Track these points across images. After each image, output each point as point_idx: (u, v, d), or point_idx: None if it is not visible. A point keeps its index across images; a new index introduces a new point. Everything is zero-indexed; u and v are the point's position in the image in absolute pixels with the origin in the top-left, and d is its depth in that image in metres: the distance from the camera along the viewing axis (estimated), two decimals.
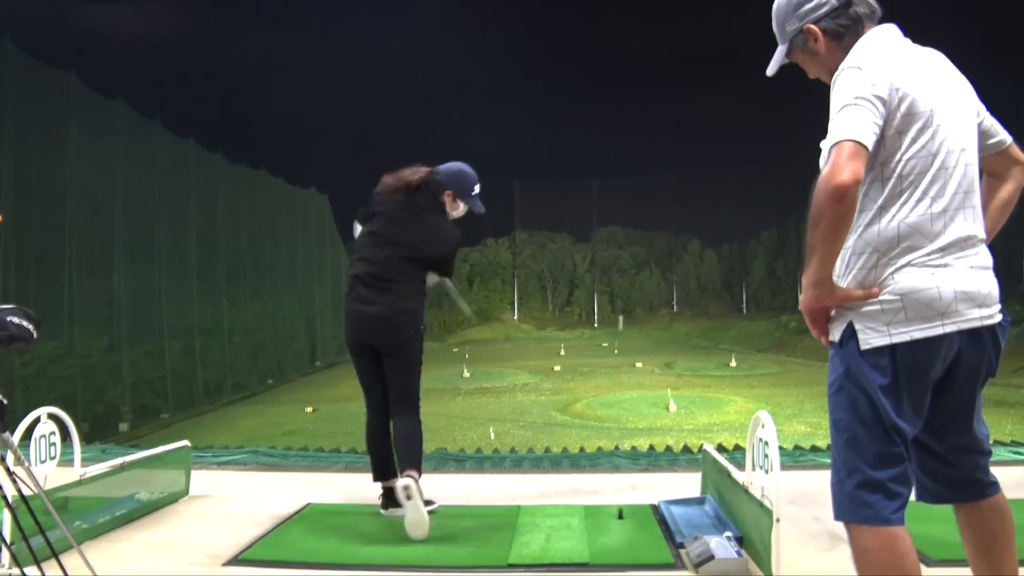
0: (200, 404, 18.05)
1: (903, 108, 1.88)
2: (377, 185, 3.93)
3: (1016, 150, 2.10)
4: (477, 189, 3.90)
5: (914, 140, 1.89)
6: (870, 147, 1.82)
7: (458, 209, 3.90)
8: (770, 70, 2.22)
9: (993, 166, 2.11)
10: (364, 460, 5.73)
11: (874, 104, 1.85)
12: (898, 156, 1.90)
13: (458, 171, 3.88)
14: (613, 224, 47.56)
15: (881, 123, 1.86)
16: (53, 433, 3.41)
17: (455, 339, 38.69)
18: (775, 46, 2.19)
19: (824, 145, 1.85)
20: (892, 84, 1.87)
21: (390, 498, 3.82)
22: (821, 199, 1.78)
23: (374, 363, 3.80)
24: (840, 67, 1.94)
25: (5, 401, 2.21)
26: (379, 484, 3.87)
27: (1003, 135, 2.09)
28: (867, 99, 1.84)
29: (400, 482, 3.43)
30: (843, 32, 2.04)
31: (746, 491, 3.10)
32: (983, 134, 2.06)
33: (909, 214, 1.88)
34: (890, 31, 2.03)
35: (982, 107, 2.07)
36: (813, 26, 2.06)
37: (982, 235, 1.96)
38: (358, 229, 3.96)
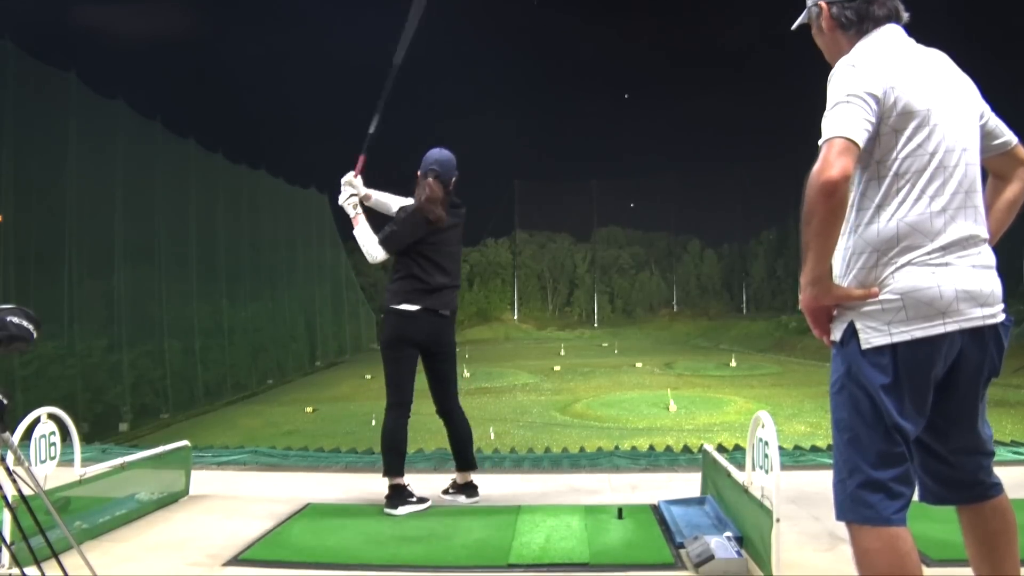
0: (200, 404, 18.03)
1: (898, 106, 1.88)
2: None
3: (1021, 151, 2.10)
4: (436, 155, 4.15)
5: (910, 138, 1.89)
6: (861, 144, 1.83)
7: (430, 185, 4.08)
8: (795, 25, 2.25)
9: (998, 167, 2.10)
10: (364, 460, 5.74)
11: (866, 102, 1.85)
12: (894, 154, 1.90)
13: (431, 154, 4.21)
14: (613, 224, 47.51)
15: (874, 120, 1.86)
16: (53, 433, 3.41)
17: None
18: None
19: (821, 143, 1.86)
20: (886, 82, 1.88)
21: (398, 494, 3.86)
22: (811, 195, 1.79)
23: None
24: (836, 64, 1.95)
25: (5, 401, 2.21)
26: (386, 481, 3.91)
27: (1008, 136, 2.09)
28: (859, 97, 1.85)
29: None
30: (847, 24, 2.05)
31: (746, 491, 3.10)
32: (988, 135, 2.05)
33: (908, 213, 1.88)
34: (892, 31, 2.03)
35: (986, 108, 2.07)
36: (824, 4, 2.09)
37: (984, 235, 1.95)
38: None
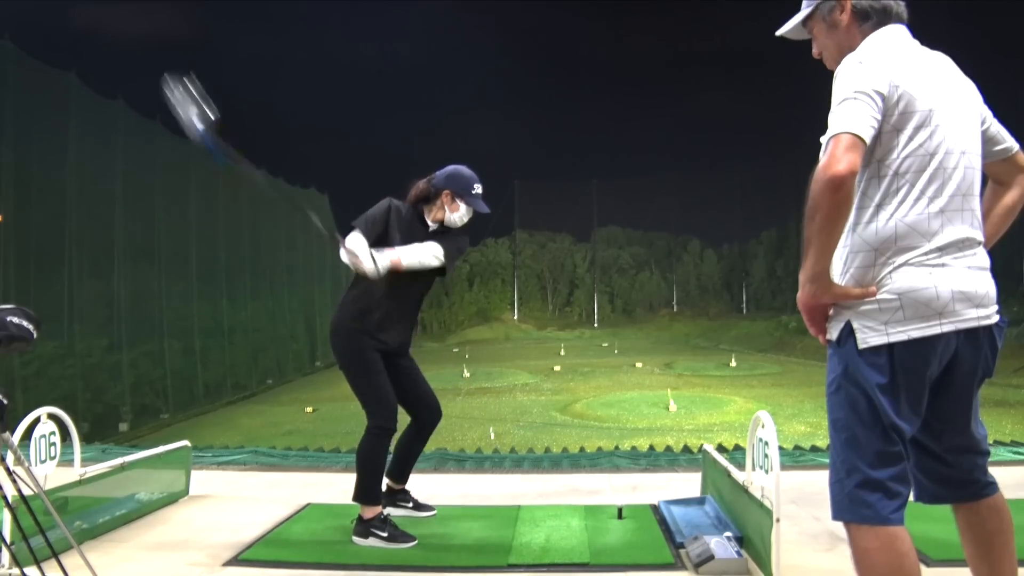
0: (200, 404, 18.03)
1: (901, 105, 1.88)
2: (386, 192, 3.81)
3: (1022, 157, 2.10)
4: (478, 189, 3.72)
5: (911, 138, 1.89)
6: (867, 140, 1.83)
7: (458, 210, 3.70)
8: (781, 30, 2.21)
9: (998, 173, 2.11)
10: None
11: (873, 99, 1.85)
12: (895, 154, 1.90)
13: (453, 170, 3.76)
14: (613, 224, 47.57)
15: (879, 118, 1.86)
16: (53, 433, 3.42)
17: (455, 339, 38.69)
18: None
19: (824, 139, 1.86)
20: (892, 81, 1.88)
21: (391, 497, 3.82)
22: (817, 190, 1.79)
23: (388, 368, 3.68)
24: (843, 61, 1.94)
25: (5, 401, 2.21)
26: (385, 480, 3.84)
27: (1009, 142, 2.09)
28: (866, 93, 1.85)
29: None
30: (869, 14, 2.03)
31: (746, 491, 3.11)
32: (989, 140, 2.05)
33: (907, 213, 1.89)
34: (898, 31, 2.03)
35: (988, 113, 2.07)
36: None
37: (980, 238, 1.96)
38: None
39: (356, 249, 3.43)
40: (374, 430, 3.52)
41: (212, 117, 3.15)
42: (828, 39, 2.11)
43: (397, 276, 3.54)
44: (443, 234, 3.73)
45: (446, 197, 3.70)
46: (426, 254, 3.59)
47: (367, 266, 3.42)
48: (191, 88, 3.13)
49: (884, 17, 2.03)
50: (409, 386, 3.75)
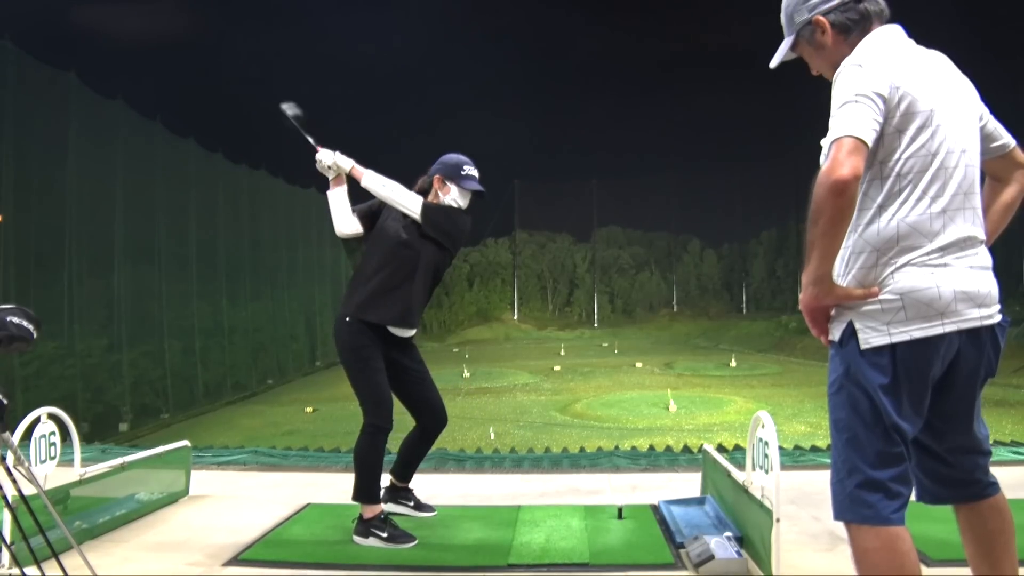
0: (200, 404, 18.04)
1: (902, 107, 1.88)
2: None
3: (1019, 154, 2.10)
4: (468, 170, 3.72)
5: (913, 139, 1.89)
6: (870, 143, 1.83)
7: (449, 192, 3.69)
8: (773, 62, 2.22)
9: (996, 169, 2.11)
10: None
11: (874, 101, 1.85)
12: (897, 155, 1.90)
13: (444, 157, 3.78)
14: (613, 224, 47.51)
15: (881, 120, 1.86)
16: (53, 433, 3.42)
17: (455, 339, 38.69)
18: (775, 47, 2.19)
19: (825, 142, 1.85)
20: (892, 83, 1.88)
21: (393, 494, 3.81)
22: (821, 194, 1.78)
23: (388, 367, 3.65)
24: (842, 64, 1.94)
25: (5, 401, 2.21)
26: (389, 477, 3.82)
27: (1007, 139, 2.09)
28: (867, 96, 1.85)
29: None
30: (851, 26, 2.04)
31: (746, 491, 3.11)
32: (986, 137, 2.06)
33: (909, 213, 1.88)
34: (894, 31, 2.03)
35: (985, 110, 2.07)
36: (822, 18, 2.06)
37: (982, 236, 1.96)
38: None
39: (324, 149, 3.76)
40: (369, 428, 3.51)
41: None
42: (819, 59, 2.13)
43: (385, 241, 3.64)
44: None
45: (437, 182, 3.74)
46: (398, 191, 3.62)
47: (325, 156, 3.75)
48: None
49: (866, 23, 2.03)
50: (415, 389, 3.72)
